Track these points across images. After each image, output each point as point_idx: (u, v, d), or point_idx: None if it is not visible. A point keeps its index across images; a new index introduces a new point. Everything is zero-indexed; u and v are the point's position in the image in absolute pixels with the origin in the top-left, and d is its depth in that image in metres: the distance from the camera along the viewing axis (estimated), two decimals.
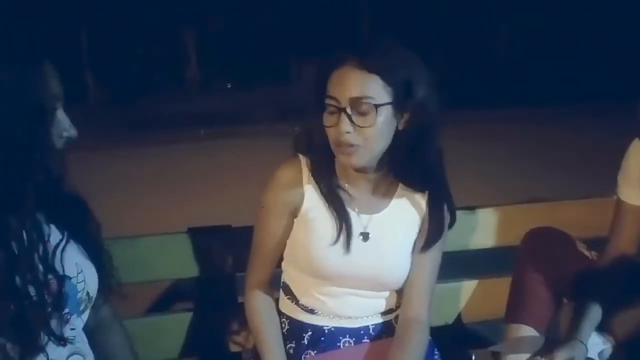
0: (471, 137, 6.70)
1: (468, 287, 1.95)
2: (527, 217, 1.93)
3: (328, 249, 1.44)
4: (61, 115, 1.16)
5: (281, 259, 1.57)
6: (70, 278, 1.18)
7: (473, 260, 2.01)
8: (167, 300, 2.42)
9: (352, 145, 1.34)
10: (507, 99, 9.00)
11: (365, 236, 1.47)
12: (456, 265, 1.95)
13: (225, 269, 1.79)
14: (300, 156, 1.49)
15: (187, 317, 1.78)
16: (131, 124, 8.39)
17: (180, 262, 1.75)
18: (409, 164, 1.41)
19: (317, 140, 1.43)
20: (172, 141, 7.43)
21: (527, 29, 10.53)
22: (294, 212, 1.48)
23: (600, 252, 1.78)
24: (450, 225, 1.54)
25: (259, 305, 1.53)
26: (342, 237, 1.44)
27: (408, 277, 1.50)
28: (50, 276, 1.12)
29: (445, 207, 1.49)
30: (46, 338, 1.12)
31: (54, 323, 1.14)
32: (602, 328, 1.66)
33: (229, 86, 11.21)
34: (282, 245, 1.53)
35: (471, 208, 1.91)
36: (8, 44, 1.13)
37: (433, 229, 1.48)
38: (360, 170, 1.44)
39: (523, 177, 5.39)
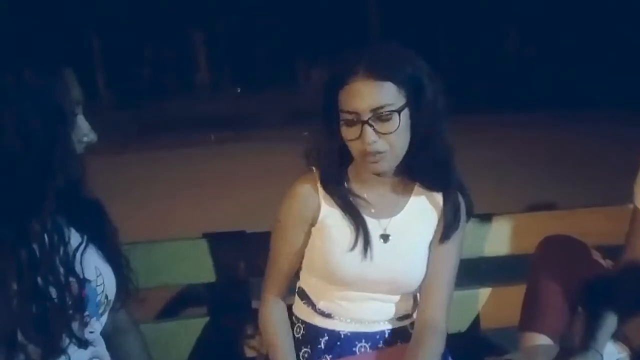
0: (483, 143, 6.70)
1: (482, 294, 1.94)
2: (542, 225, 1.93)
3: (346, 255, 1.45)
4: (81, 121, 1.18)
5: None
6: (90, 281, 1.19)
7: (487, 267, 2.01)
8: (182, 305, 2.42)
9: (379, 153, 1.37)
10: (520, 103, 9.00)
11: (385, 238, 1.47)
12: (470, 273, 1.94)
13: (239, 274, 1.80)
14: (315, 169, 1.50)
15: (202, 321, 1.79)
16: (141, 127, 8.43)
17: (194, 267, 1.77)
18: (422, 160, 1.43)
19: (325, 152, 1.45)
20: (182, 145, 7.47)
21: (538, 34, 10.51)
22: (312, 223, 1.49)
23: (615, 260, 1.77)
24: (469, 215, 1.54)
25: (274, 315, 1.54)
26: (360, 243, 1.44)
27: (425, 280, 1.49)
28: (71, 279, 1.14)
29: (461, 197, 1.50)
30: (67, 340, 1.13)
31: (74, 325, 1.15)
32: (618, 337, 1.66)
33: (238, 90, 11.25)
34: (301, 257, 1.53)
35: (486, 216, 1.91)
36: (29, 50, 1.14)
37: (449, 218, 1.48)
38: (381, 174, 1.45)
39: (535, 184, 5.38)
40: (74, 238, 1.20)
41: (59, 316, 1.11)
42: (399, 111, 1.35)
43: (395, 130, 1.35)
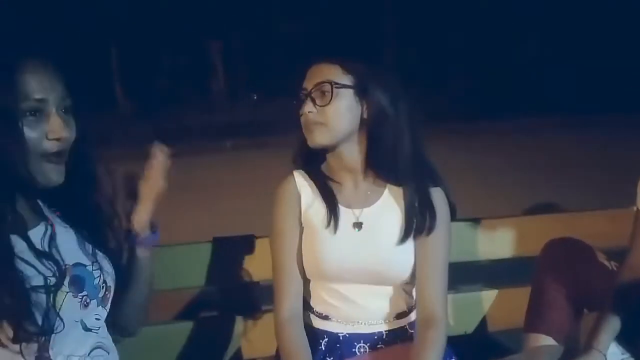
0: (484, 148, 6.69)
1: (488, 296, 1.96)
2: (545, 228, 1.96)
3: (323, 243, 1.50)
4: (54, 119, 1.15)
5: None
6: (84, 265, 1.22)
7: (492, 270, 2.03)
8: (193, 307, 2.46)
9: (315, 124, 1.49)
10: (525, 109, 8.98)
11: (358, 226, 1.53)
12: (476, 276, 1.96)
13: (249, 277, 1.83)
14: (294, 172, 1.60)
15: (214, 324, 1.83)
16: (158, 135, 8.51)
17: (205, 271, 1.80)
18: (383, 161, 1.50)
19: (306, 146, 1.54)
20: (198, 152, 7.52)
21: (545, 37, 10.48)
22: (300, 217, 1.55)
23: (620, 262, 1.79)
24: (453, 216, 1.56)
25: (293, 339, 1.51)
26: (333, 223, 1.51)
27: (417, 277, 1.52)
28: (47, 262, 1.15)
29: (436, 200, 1.52)
30: (55, 318, 1.12)
31: (73, 305, 1.16)
32: (623, 339, 1.67)
33: (254, 97, 11.30)
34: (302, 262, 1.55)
35: (491, 219, 1.93)
36: None
37: (415, 219, 1.50)
38: (319, 147, 1.52)
39: (537, 188, 5.36)
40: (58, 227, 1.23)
41: (27, 294, 1.09)
42: (334, 83, 1.46)
43: (330, 103, 1.46)
